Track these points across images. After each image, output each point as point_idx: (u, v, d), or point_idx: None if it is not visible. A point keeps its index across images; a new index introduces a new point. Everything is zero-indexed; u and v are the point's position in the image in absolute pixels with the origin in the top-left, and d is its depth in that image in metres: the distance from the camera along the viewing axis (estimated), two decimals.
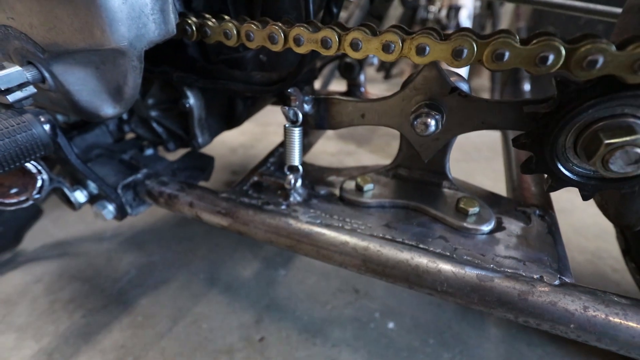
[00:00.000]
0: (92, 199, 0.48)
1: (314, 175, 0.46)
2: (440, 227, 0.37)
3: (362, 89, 0.71)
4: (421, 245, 0.34)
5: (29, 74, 0.34)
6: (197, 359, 0.50)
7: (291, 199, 0.41)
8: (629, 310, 0.27)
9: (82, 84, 0.36)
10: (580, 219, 0.83)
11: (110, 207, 0.46)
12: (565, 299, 0.28)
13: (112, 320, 0.56)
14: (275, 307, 0.59)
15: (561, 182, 0.29)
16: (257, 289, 0.62)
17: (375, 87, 1.93)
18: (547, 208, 0.38)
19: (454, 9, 1.59)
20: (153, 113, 0.52)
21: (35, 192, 0.41)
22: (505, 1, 0.80)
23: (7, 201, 0.40)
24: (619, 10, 0.44)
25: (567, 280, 0.30)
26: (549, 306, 0.28)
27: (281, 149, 0.53)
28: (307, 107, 0.38)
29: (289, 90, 0.35)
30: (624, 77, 0.22)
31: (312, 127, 0.40)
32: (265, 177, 0.46)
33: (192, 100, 0.47)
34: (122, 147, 0.55)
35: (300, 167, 0.40)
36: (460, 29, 0.26)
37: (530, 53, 0.23)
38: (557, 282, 0.30)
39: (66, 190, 0.44)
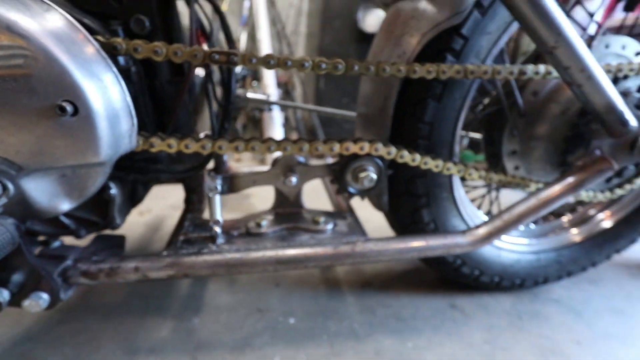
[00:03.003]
0: (13, 297, 0.50)
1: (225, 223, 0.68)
2: (310, 233, 0.67)
3: (227, 165, 0.98)
4: (305, 244, 0.63)
5: None
6: None
7: (217, 241, 0.62)
8: (388, 241, 0.65)
9: (43, 191, 0.46)
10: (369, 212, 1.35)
11: (45, 296, 0.51)
12: (373, 245, 0.63)
13: None
14: (204, 345, 0.71)
15: (351, 195, 0.66)
16: (181, 340, 0.72)
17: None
18: (351, 210, 0.76)
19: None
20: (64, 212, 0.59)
21: None
22: (278, 105, 1.29)
23: None
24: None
25: (368, 237, 0.66)
26: (366, 250, 0.63)
27: (189, 215, 0.71)
28: (219, 182, 0.62)
29: (211, 173, 0.59)
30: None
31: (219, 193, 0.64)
32: (190, 235, 0.64)
33: (114, 190, 0.60)
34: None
35: (221, 219, 0.62)
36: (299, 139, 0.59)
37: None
38: (364, 240, 0.65)
39: None
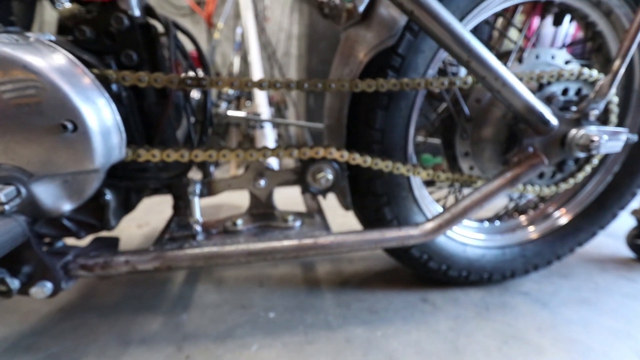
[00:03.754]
0: (22, 285, 0.60)
1: (206, 223, 0.78)
2: (280, 230, 0.76)
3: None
4: (273, 238, 0.72)
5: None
6: None
7: (198, 238, 0.71)
8: (347, 235, 0.73)
9: (49, 194, 0.56)
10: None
11: (49, 285, 0.60)
12: (333, 238, 0.72)
13: None
14: (190, 337, 0.79)
15: (313, 194, 0.75)
16: (169, 332, 0.80)
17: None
18: (320, 210, 0.85)
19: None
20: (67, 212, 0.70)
21: None
22: (255, 120, 1.40)
23: None
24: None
25: (330, 232, 0.75)
26: (328, 243, 0.71)
27: (176, 218, 0.81)
28: (198, 187, 0.72)
29: (191, 179, 0.69)
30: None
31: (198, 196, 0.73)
32: (174, 234, 0.74)
33: (109, 195, 0.70)
34: None
35: (201, 219, 0.72)
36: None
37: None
38: (326, 233, 0.74)
39: (8, 279, 0.57)
